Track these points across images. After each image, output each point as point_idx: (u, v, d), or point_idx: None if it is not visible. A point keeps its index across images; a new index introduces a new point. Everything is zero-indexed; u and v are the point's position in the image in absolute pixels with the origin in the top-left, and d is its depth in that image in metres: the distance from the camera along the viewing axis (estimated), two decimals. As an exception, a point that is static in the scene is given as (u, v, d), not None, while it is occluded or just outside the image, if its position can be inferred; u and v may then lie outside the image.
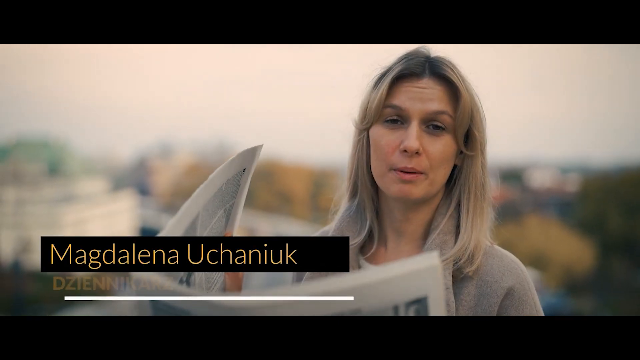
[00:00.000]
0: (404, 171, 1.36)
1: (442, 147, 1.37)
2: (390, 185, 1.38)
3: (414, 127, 1.36)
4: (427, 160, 1.37)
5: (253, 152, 1.31)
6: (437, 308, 0.87)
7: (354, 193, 1.50)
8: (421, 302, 0.87)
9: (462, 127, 1.39)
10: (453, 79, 1.39)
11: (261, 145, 1.32)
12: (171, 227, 1.09)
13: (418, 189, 1.37)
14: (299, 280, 1.54)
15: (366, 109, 1.42)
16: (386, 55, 1.45)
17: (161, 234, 1.07)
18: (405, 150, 1.35)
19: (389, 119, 1.39)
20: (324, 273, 1.43)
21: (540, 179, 56.46)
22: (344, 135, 1.50)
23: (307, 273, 1.46)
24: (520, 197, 47.16)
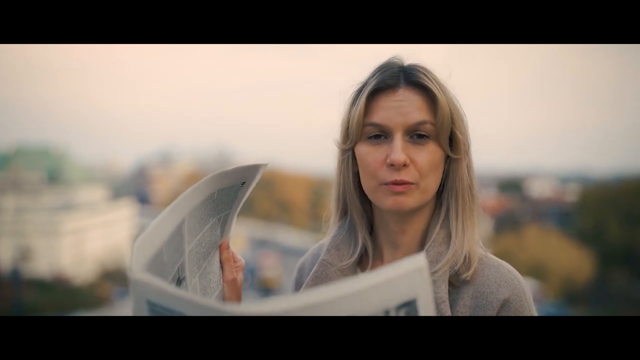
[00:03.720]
0: (394, 183, 1.35)
1: (428, 155, 1.36)
2: (383, 199, 1.37)
3: (398, 140, 1.35)
4: (416, 171, 1.36)
5: (256, 169, 1.29)
6: (427, 309, 0.89)
7: (344, 211, 1.49)
8: (411, 304, 0.88)
9: (443, 132, 1.38)
10: (429, 86, 1.37)
11: (266, 164, 1.31)
12: (154, 230, 1.05)
13: (411, 199, 1.37)
14: (297, 290, 1.55)
15: (347, 129, 1.41)
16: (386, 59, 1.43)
17: (143, 237, 1.03)
18: (392, 165, 1.34)
19: (371, 135, 1.38)
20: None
21: (539, 189, 56.27)
22: (331, 150, 1.48)
23: (305, 284, 1.45)
24: (519, 207, 46.99)
